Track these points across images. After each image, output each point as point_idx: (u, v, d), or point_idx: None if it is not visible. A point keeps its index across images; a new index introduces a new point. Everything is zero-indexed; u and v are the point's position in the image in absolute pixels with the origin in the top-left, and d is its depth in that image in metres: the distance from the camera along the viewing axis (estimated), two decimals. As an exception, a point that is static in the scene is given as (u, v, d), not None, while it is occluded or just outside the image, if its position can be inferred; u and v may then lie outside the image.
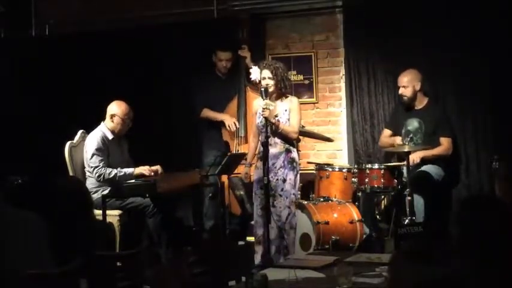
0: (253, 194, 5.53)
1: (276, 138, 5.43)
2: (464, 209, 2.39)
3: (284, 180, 5.42)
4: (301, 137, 6.20)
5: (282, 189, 5.41)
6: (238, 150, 6.36)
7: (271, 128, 5.38)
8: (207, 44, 6.79)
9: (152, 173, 5.76)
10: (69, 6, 7.35)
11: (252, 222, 5.69)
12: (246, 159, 5.78)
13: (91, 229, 3.73)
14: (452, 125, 6.24)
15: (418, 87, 6.12)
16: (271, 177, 5.34)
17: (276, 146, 5.44)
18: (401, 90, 6.15)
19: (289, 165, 5.45)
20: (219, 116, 6.57)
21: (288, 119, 5.45)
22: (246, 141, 6.42)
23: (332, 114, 7.00)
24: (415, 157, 5.92)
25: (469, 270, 1.74)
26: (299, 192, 5.92)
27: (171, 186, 5.78)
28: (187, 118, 6.83)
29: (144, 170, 5.74)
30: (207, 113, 6.60)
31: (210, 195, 6.48)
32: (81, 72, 7.14)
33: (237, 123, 6.50)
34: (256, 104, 5.59)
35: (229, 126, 6.48)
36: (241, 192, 6.14)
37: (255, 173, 5.56)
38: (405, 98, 6.14)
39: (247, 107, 6.53)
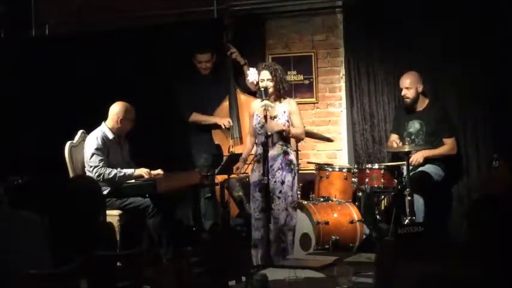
0: (251, 197, 5.50)
1: (274, 140, 5.42)
2: (476, 210, 2.38)
3: (282, 182, 5.41)
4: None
5: (280, 191, 5.40)
6: (233, 152, 6.35)
7: (281, 135, 5.38)
8: (188, 45, 6.80)
9: (152, 176, 5.76)
10: (69, 6, 7.36)
11: None
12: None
13: (101, 229, 3.74)
14: (453, 125, 6.25)
15: (420, 88, 6.13)
16: (269, 179, 5.33)
17: (274, 148, 5.43)
18: (404, 92, 6.14)
19: (287, 167, 5.44)
20: (210, 119, 6.57)
21: (287, 121, 5.44)
22: (242, 143, 6.42)
23: (332, 114, 7.00)
24: (418, 157, 5.93)
25: (473, 270, 1.74)
26: (299, 193, 5.94)
27: (171, 186, 5.78)
28: (178, 120, 6.82)
29: (144, 172, 5.74)
30: (197, 117, 6.59)
31: (209, 195, 6.48)
32: (81, 72, 7.14)
33: (230, 121, 6.50)
34: (254, 105, 5.58)
35: (224, 125, 6.48)
36: (240, 193, 6.14)
37: (252, 176, 5.53)
38: (408, 100, 6.14)
39: (239, 108, 6.53)
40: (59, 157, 5.74)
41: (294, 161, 5.55)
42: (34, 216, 3.36)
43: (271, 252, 5.32)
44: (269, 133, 5.33)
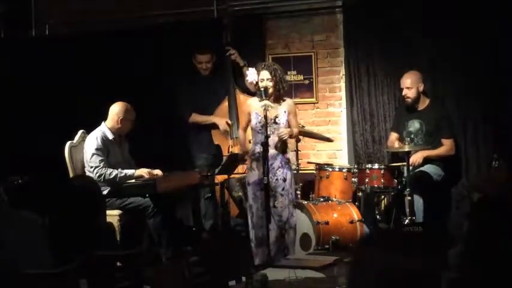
0: (253, 196, 5.49)
1: (274, 139, 5.42)
2: (476, 210, 2.38)
3: (284, 180, 5.42)
4: (301, 137, 6.21)
5: (282, 189, 5.41)
6: (232, 152, 6.35)
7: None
8: (188, 45, 6.81)
9: (153, 176, 5.77)
10: (69, 6, 7.35)
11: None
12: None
13: (101, 229, 3.74)
14: (453, 126, 6.25)
15: (421, 88, 6.13)
16: (270, 177, 5.34)
17: (273, 148, 5.43)
18: (405, 92, 6.13)
19: (287, 166, 5.46)
20: (209, 119, 6.56)
21: (287, 120, 5.45)
22: None
23: (332, 114, 7.00)
24: (417, 157, 5.93)
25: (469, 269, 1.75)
26: (299, 193, 5.95)
27: (170, 186, 5.78)
28: (178, 120, 6.82)
29: (144, 172, 5.74)
30: (196, 117, 6.59)
31: (209, 195, 6.48)
32: (81, 72, 7.14)
33: (229, 122, 6.50)
34: (251, 103, 5.57)
35: (224, 125, 6.48)
36: (240, 193, 6.14)
37: (250, 176, 5.51)
38: (409, 99, 6.13)
39: (239, 108, 6.53)
40: (59, 157, 5.74)
41: (291, 159, 5.57)
42: (34, 216, 3.37)
43: (273, 251, 5.32)
44: (283, 138, 5.37)
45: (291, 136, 5.50)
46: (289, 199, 5.43)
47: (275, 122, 5.40)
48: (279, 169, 5.42)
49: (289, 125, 5.45)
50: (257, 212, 5.44)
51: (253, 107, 5.50)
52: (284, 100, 5.52)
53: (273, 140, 5.41)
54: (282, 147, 5.45)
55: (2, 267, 3.13)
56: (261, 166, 5.32)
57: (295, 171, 5.87)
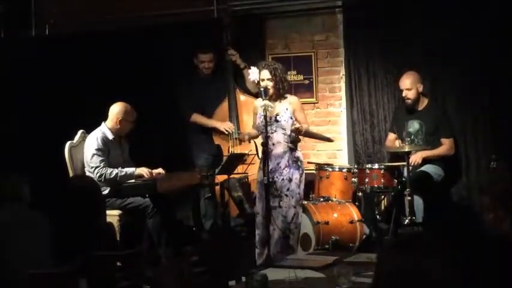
0: (258, 195, 5.50)
1: (278, 137, 5.42)
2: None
3: (290, 180, 5.41)
4: (301, 137, 6.20)
5: (287, 189, 5.40)
6: (232, 152, 6.35)
7: (295, 133, 5.39)
8: (188, 45, 6.81)
9: (153, 175, 5.77)
10: (69, 6, 7.35)
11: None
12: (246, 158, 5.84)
13: (101, 229, 3.75)
14: (453, 126, 6.25)
15: (420, 88, 6.13)
16: (276, 177, 5.34)
17: (280, 146, 5.43)
18: (404, 93, 6.13)
19: (294, 165, 5.44)
20: (210, 123, 6.55)
21: (291, 117, 5.44)
22: (241, 143, 6.41)
23: (332, 114, 7.00)
24: (417, 157, 5.93)
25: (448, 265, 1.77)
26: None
27: (171, 186, 5.78)
28: (178, 120, 6.82)
29: (145, 172, 5.73)
30: (197, 118, 6.58)
31: (209, 195, 6.48)
32: (81, 72, 7.14)
33: (231, 126, 6.49)
34: (257, 104, 5.59)
35: (226, 130, 6.48)
36: (239, 193, 6.14)
37: (258, 175, 5.54)
38: (409, 100, 6.12)
39: (239, 108, 6.53)
40: (59, 157, 5.74)
41: (301, 158, 5.54)
42: (34, 216, 3.37)
43: (276, 250, 5.32)
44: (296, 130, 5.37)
45: (299, 131, 5.47)
46: (296, 199, 5.42)
47: (276, 120, 5.42)
48: (286, 168, 5.42)
49: (297, 122, 5.45)
50: (261, 212, 5.44)
51: (258, 107, 5.52)
52: (285, 97, 5.52)
53: (276, 137, 5.42)
54: (286, 142, 5.43)
55: (3, 267, 3.13)
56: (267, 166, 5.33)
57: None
